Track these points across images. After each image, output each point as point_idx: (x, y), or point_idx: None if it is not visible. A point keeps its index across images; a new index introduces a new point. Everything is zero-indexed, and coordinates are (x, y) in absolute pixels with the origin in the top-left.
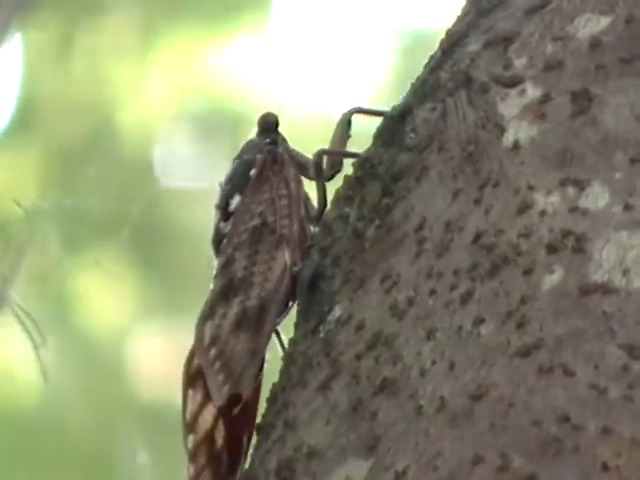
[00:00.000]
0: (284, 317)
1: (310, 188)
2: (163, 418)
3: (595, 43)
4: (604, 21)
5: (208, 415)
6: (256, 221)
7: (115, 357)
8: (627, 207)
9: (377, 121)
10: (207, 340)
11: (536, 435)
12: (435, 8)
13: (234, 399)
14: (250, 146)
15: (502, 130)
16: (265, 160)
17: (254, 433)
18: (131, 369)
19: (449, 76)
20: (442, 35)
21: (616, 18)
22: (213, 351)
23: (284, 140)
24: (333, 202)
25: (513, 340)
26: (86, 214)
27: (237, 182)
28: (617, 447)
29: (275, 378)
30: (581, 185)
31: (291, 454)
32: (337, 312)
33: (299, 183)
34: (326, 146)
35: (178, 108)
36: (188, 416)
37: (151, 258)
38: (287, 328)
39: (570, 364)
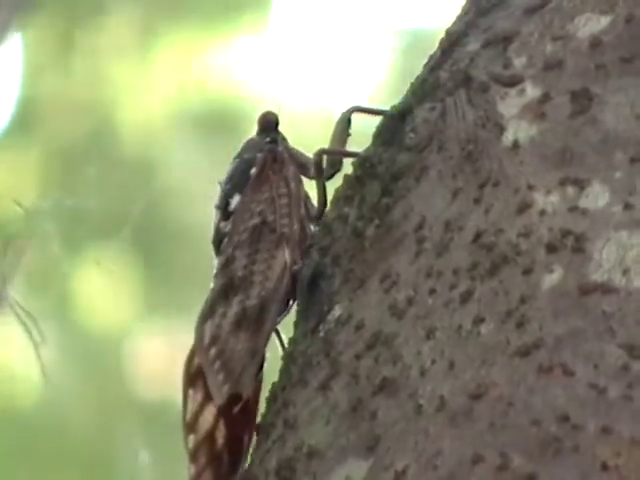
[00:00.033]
0: (284, 316)
1: (310, 187)
2: (163, 418)
3: (595, 42)
4: (604, 20)
5: (209, 415)
6: (256, 220)
7: (115, 357)
8: (627, 206)
9: (376, 120)
10: (207, 339)
11: (536, 434)
12: (435, 8)
13: (234, 398)
14: (250, 145)
15: (502, 129)
16: (265, 159)
17: (255, 433)
18: (131, 369)
19: (449, 75)
20: (442, 34)
21: (616, 17)
22: (213, 350)
23: (284, 139)
24: (333, 201)
25: (513, 339)
26: (86, 214)
27: (237, 181)
28: (617, 446)
29: (275, 377)
30: (581, 184)
31: (291, 454)
32: (337, 312)
33: (299, 182)
34: (326, 145)
35: (178, 108)
36: (189, 416)
37: (151, 258)
38: (287, 327)
39: (570, 364)
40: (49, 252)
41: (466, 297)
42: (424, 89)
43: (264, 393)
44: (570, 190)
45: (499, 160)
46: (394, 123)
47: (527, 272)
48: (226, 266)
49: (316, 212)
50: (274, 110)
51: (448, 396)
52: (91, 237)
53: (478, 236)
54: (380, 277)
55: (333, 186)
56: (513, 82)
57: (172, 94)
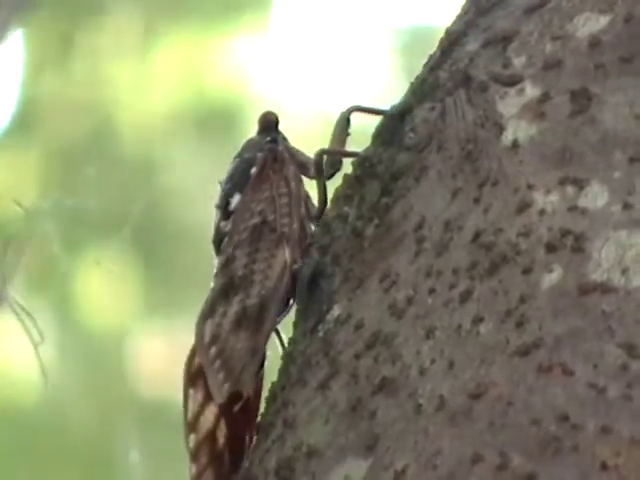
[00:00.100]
0: (285, 315)
1: (310, 187)
2: (164, 417)
3: (594, 42)
4: (603, 20)
5: (209, 414)
6: (256, 219)
7: (115, 356)
8: (626, 206)
9: (376, 120)
10: (207, 338)
11: (535, 434)
12: (434, 7)
13: (235, 397)
14: (250, 145)
15: (501, 129)
16: (265, 159)
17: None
18: (131, 368)
19: (448, 75)
20: (441, 34)
21: (615, 17)
22: (213, 349)
23: (284, 139)
24: (332, 201)
25: (512, 339)
26: (86, 214)
27: (237, 181)
28: (616, 446)
29: (275, 377)
30: (580, 184)
31: (290, 453)
32: (336, 311)
33: (299, 182)
34: (326, 145)
35: (178, 108)
36: (189, 415)
37: (151, 258)
38: (287, 327)
39: (569, 363)
40: (49, 252)
41: (465, 297)
42: (424, 89)
43: (264, 393)
44: (569, 190)
45: (498, 160)
46: (394, 123)
47: (526, 272)
48: (226, 265)
49: (316, 212)
50: (274, 110)
51: (448, 395)
52: (91, 237)
53: (477, 236)
54: (380, 277)
55: (333, 186)
56: (512, 82)
57: (172, 94)
